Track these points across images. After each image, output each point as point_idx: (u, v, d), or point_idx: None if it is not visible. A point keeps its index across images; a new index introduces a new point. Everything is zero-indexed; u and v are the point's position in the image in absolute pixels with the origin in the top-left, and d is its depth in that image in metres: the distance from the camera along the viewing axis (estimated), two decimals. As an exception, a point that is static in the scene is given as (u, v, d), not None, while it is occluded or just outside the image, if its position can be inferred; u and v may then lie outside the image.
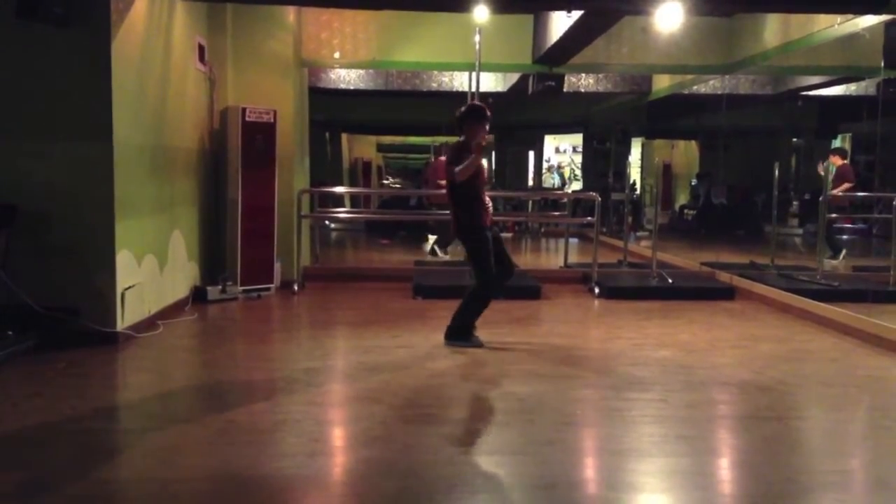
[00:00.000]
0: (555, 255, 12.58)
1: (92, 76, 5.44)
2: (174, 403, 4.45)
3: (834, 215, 9.45)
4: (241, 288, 7.64)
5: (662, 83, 11.58)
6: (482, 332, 6.27)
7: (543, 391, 4.67)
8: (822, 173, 8.94)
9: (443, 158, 11.05)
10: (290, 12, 8.22)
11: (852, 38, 7.33)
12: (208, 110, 7.79)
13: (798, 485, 3.38)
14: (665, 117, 14.81)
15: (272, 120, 7.77)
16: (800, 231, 13.09)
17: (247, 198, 7.67)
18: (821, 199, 8.31)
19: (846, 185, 9.49)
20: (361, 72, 11.67)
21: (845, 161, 9.82)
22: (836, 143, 12.19)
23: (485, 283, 5.65)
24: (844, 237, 11.43)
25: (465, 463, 3.54)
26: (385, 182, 20.88)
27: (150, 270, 6.26)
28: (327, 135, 18.46)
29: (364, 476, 3.39)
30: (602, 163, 16.66)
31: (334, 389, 4.84)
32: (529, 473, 3.37)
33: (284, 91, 8.19)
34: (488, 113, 5.63)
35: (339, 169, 19.57)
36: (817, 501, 3.29)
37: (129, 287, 5.79)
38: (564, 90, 11.36)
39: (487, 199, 5.75)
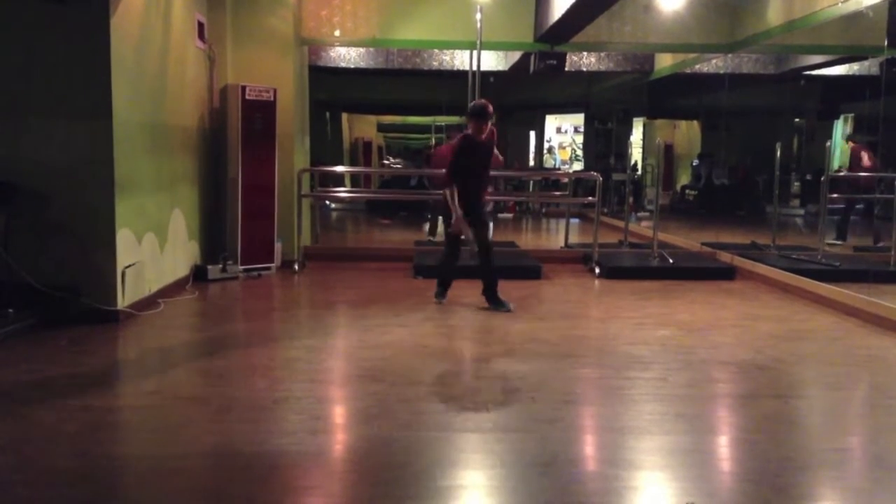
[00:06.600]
0: (555, 236, 12.58)
1: (91, 53, 5.42)
2: (175, 381, 4.46)
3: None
4: (241, 267, 7.65)
5: (665, 62, 11.51)
6: (479, 312, 6.28)
7: (544, 370, 4.69)
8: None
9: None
10: (290, -11, 8.16)
11: (856, 17, 7.28)
12: (208, 88, 7.76)
13: (796, 462, 3.39)
14: (667, 97, 14.73)
15: (272, 98, 7.73)
16: (801, 212, 13.08)
17: (247, 177, 7.65)
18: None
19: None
20: (362, 50, 11.61)
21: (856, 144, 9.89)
22: (839, 124, 12.16)
23: None
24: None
25: (466, 440, 3.55)
26: (385, 162, 20.80)
27: (151, 249, 6.26)
28: (328, 114, 18.38)
29: (364, 453, 3.40)
30: (603, 143, 16.61)
31: (335, 367, 4.86)
32: (530, 451, 3.39)
33: (284, 69, 8.15)
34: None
35: (340, 149, 19.51)
36: (816, 479, 3.30)
37: (130, 265, 5.80)
38: (566, 69, 11.31)
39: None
